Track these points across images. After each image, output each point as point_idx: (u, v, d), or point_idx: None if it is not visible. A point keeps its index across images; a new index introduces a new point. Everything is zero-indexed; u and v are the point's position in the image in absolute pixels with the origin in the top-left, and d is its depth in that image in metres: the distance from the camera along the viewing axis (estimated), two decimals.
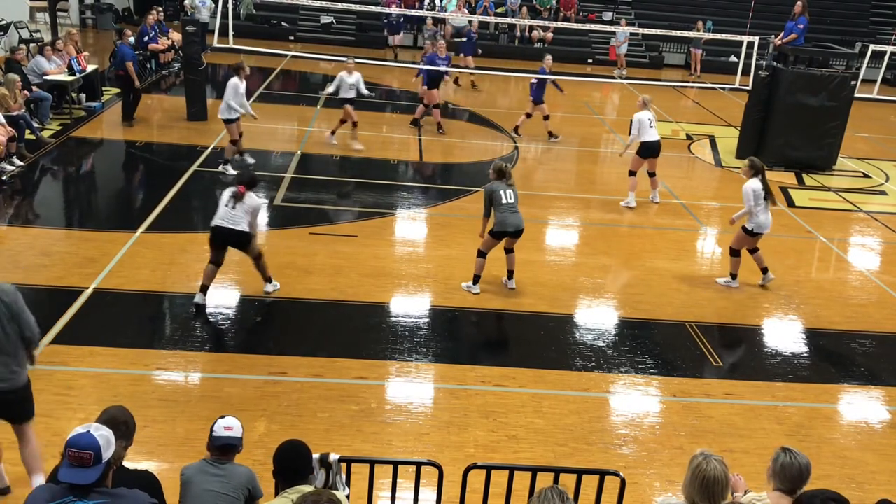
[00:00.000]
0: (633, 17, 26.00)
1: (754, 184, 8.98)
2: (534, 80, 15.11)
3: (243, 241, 7.94)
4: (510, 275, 8.94)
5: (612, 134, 16.90)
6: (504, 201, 8.48)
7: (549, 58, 15.27)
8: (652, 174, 12.08)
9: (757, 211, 8.98)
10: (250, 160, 12.54)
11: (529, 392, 7.01)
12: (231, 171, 11.88)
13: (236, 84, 11.79)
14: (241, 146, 12.39)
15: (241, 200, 7.79)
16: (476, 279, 8.77)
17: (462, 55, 20.81)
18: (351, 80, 13.41)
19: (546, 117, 15.26)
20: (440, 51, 15.54)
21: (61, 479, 3.26)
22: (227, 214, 7.77)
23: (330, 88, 13.67)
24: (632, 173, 11.90)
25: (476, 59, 21.13)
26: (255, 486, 4.25)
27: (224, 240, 7.90)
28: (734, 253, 9.38)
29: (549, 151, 15.10)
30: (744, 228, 9.19)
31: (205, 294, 8.01)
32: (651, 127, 11.60)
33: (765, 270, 9.48)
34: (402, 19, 21.80)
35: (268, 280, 8.39)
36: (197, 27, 15.18)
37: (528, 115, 15.29)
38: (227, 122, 12.04)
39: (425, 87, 15.19)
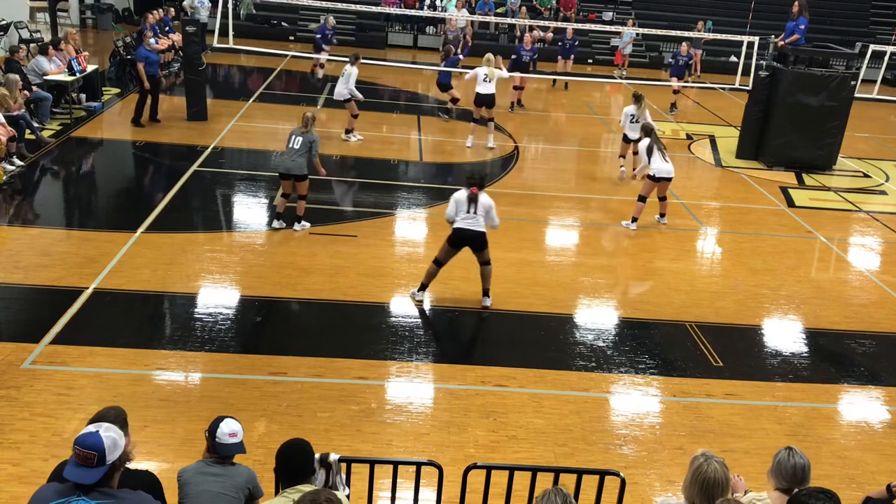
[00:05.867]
0: (633, 17, 26.00)
1: (629, 109, 12.85)
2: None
3: None
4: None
5: (612, 134, 16.88)
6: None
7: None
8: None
9: (626, 124, 12.94)
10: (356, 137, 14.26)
11: (529, 392, 7.02)
12: (357, 138, 14.23)
13: (350, 72, 13.76)
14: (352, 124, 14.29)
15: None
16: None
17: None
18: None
19: None
20: (526, 44, 17.63)
21: (65, 475, 3.29)
22: None
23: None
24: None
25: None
26: (255, 486, 4.25)
27: None
28: (625, 139, 13.27)
29: (549, 151, 15.10)
30: (624, 136, 13.20)
31: None
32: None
33: (622, 157, 13.53)
34: (334, 30, 19.36)
35: None
36: (197, 27, 15.19)
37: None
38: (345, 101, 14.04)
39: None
